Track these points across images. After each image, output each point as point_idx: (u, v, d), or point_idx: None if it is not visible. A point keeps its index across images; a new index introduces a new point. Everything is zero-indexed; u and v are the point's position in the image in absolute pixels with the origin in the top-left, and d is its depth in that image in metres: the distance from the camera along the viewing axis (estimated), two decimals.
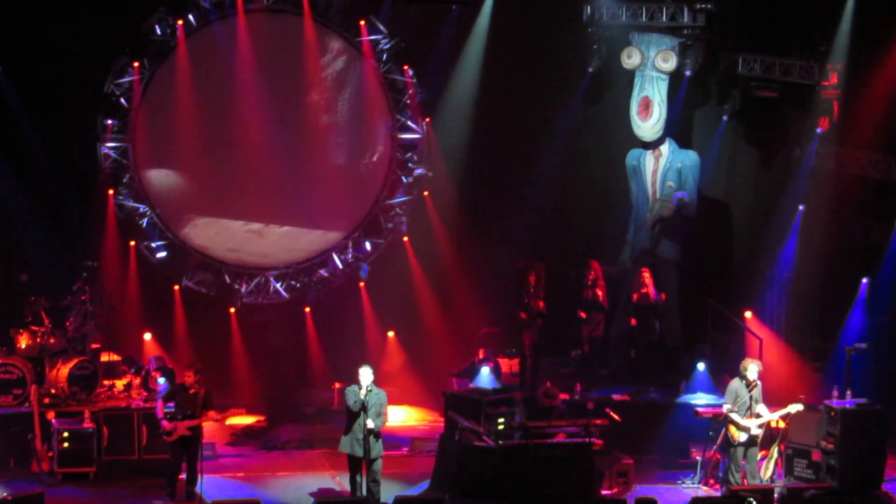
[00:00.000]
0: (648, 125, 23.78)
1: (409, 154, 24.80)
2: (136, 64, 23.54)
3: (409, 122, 24.66)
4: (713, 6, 23.44)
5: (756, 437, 18.60)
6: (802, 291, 23.92)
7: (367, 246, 24.82)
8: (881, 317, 23.05)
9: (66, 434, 19.40)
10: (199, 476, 17.88)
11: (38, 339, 21.07)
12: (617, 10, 23.65)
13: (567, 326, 23.02)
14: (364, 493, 17.66)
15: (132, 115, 23.74)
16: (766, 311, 23.81)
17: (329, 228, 24.76)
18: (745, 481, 18.45)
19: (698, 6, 23.42)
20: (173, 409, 18.18)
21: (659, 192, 23.98)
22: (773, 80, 23.62)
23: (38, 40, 22.97)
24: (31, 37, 22.95)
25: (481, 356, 22.83)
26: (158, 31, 23.65)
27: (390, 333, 24.45)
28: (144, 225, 24.03)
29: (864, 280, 23.08)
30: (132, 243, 23.93)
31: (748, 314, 23.20)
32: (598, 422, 18.87)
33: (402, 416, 23.00)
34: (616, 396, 21.65)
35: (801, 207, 23.80)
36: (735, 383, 18.76)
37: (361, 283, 24.65)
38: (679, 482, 19.53)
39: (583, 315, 22.55)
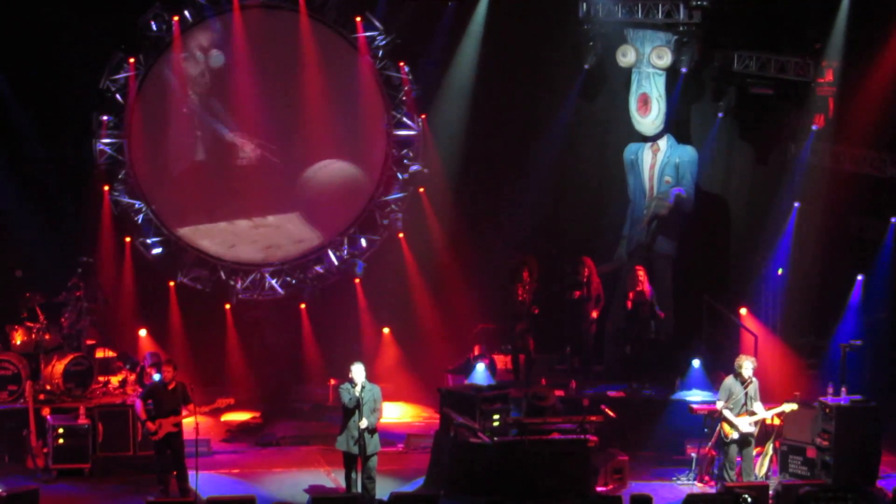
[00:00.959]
0: (648, 121, 23.85)
1: (405, 150, 24.79)
2: (131, 60, 23.54)
3: (405, 119, 24.64)
4: (709, 3, 23.39)
5: (751, 434, 18.59)
6: (797, 288, 23.89)
7: (363, 242, 24.81)
8: (876, 314, 23.09)
9: (61, 430, 19.39)
10: (195, 472, 17.84)
11: (33, 336, 21.07)
12: (613, 7, 23.62)
13: (561, 324, 23.05)
14: (359, 489, 17.65)
15: (127, 111, 23.74)
16: (761, 308, 23.79)
17: (324, 225, 24.75)
18: (740, 478, 18.46)
19: (694, 3, 23.37)
20: (153, 408, 18.06)
21: (656, 187, 24.00)
22: (769, 77, 23.63)
23: (33, 36, 22.95)
24: (27, 32, 22.92)
25: (476, 352, 22.85)
26: (154, 27, 23.65)
27: (385, 330, 24.44)
28: (140, 221, 24.03)
29: (859, 277, 23.10)
30: (127, 239, 23.92)
31: (743, 311, 23.20)
32: (593, 418, 18.89)
33: (398, 413, 23.00)
34: (611, 393, 21.69)
35: (796, 204, 23.80)
36: (729, 380, 18.75)
37: (357, 280, 24.64)
38: (674, 479, 19.53)
39: (577, 294, 22.52)
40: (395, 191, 24.85)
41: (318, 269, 24.71)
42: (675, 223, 23.98)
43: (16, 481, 18.45)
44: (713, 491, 18.48)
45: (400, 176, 24.80)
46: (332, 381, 22.63)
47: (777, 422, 19.25)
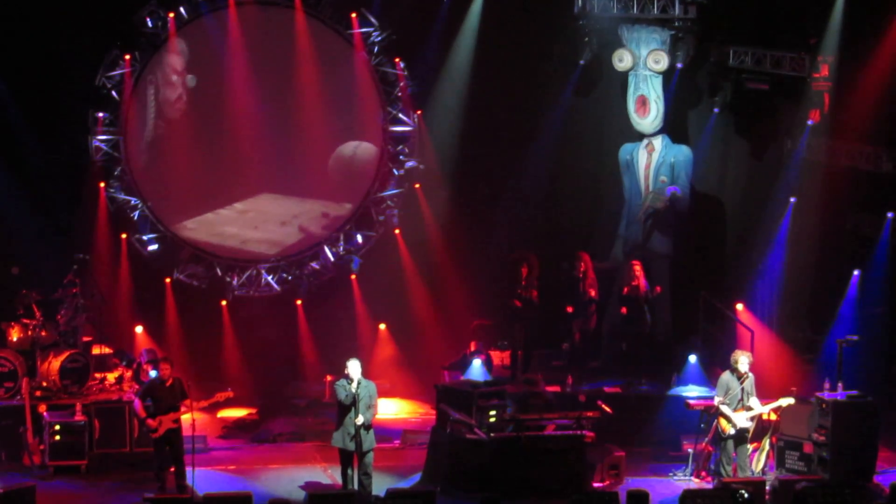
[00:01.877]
0: (647, 121, 23.86)
1: (401, 146, 24.79)
2: (127, 56, 23.53)
3: (401, 115, 24.65)
4: None
5: (747, 430, 18.60)
6: (794, 283, 23.91)
7: (359, 238, 24.81)
8: (872, 309, 23.08)
9: (57, 427, 19.38)
10: (193, 469, 17.84)
11: (30, 332, 21.04)
12: (608, 3, 23.59)
13: (558, 319, 23.05)
14: (356, 486, 17.64)
15: (123, 108, 23.72)
16: (758, 304, 23.79)
17: (320, 220, 24.73)
18: (737, 473, 18.47)
19: None
20: (152, 405, 18.05)
21: (651, 187, 23.99)
22: (764, 73, 23.63)
23: (29, 33, 22.93)
24: (23, 29, 22.92)
25: (473, 348, 22.83)
26: (150, 24, 23.64)
27: (382, 326, 24.45)
28: (136, 218, 24.02)
29: (856, 272, 23.09)
30: (123, 236, 23.92)
31: (739, 306, 23.19)
32: (590, 414, 18.92)
33: (394, 409, 23.01)
34: (607, 389, 21.68)
35: (792, 199, 23.80)
36: (726, 376, 18.75)
37: (353, 276, 24.65)
38: (671, 474, 19.52)
39: (570, 310, 22.56)
40: (391, 187, 24.84)
41: (314, 265, 24.71)
42: (671, 221, 23.97)
43: (12, 478, 18.43)
44: (710, 487, 18.48)
45: (396, 172, 24.80)
46: (329, 378, 22.62)
47: (774, 417, 19.26)
